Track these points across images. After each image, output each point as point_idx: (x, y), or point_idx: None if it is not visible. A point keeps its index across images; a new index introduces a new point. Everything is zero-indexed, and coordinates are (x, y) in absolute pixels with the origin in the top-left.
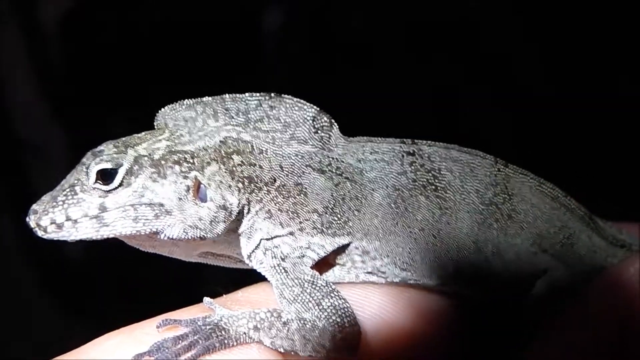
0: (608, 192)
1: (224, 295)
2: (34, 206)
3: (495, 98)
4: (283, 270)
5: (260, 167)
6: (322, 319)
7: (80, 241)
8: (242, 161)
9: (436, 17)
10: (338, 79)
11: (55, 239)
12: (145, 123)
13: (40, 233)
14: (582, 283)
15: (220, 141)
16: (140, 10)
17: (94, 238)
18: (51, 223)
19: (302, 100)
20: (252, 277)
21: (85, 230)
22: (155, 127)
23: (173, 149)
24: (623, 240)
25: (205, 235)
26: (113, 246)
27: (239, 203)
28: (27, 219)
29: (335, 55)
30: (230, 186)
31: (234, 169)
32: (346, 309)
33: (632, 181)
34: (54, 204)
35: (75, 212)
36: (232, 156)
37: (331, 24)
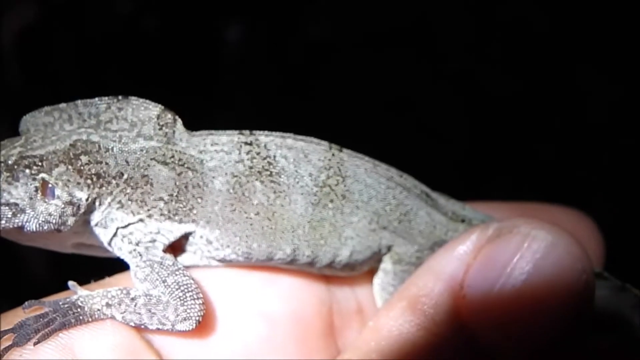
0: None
1: (93, 282)
2: None
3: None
4: (138, 254)
5: (107, 163)
6: (166, 294)
7: None
8: (89, 160)
9: (393, 24)
10: (296, 89)
11: None
12: None
13: None
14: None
15: (70, 144)
16: (99, 25)
17: None
18: None
19: (147, 101)
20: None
21: None
22: (20, 133)
23: (24, 154)
24: (464, 216)
25: (59, 228)
26: None
27: (89, 197)
28: None
29: (293, 65)
30: (79, 183)
31: (82, 167)
32: (189, 285)
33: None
34: None
35: None
36: (80, 157)
37: (290, 36)
